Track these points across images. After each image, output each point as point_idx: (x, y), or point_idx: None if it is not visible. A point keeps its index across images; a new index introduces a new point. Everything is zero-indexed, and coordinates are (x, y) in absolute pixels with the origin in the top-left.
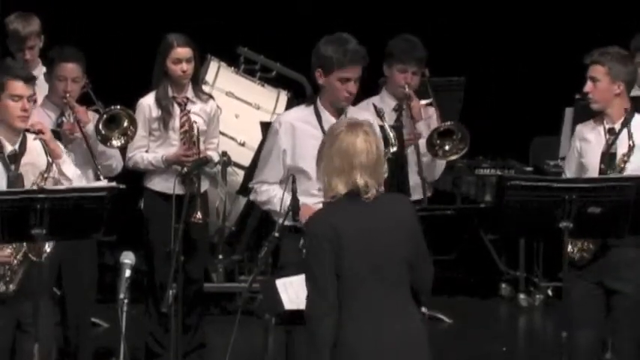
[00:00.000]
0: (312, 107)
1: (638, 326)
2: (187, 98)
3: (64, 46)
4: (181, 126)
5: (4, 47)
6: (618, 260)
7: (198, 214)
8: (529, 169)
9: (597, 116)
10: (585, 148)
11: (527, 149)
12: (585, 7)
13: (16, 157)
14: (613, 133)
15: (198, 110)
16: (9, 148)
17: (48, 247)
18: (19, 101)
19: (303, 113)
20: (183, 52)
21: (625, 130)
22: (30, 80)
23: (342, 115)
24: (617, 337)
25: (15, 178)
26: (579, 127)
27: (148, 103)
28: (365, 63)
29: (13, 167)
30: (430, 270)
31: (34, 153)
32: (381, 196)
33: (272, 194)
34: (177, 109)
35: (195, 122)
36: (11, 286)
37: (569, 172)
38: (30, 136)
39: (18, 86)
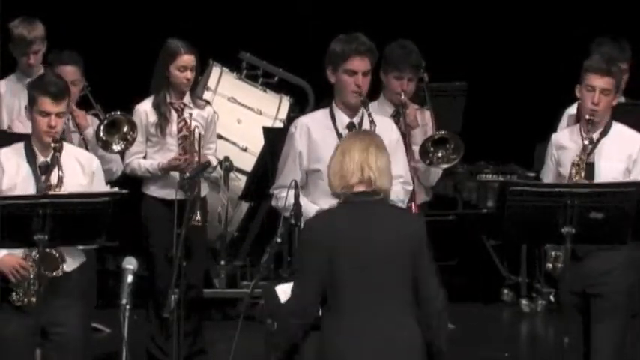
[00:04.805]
0: (328, 109)
1: (618, 330)
2: (184, 104)
3: (62, 49)
4: (179, 131)
5: (7, 51)
6: (599, 267)
7: (197, 217)
8: (531, 174)
9: (574, 124)
10: (563, 156)
11: (529, 154)
12: (589, 12)
13: (47, 169)
14: (592, 143)
15: (195, 116)
16: (41, 159)
17: (66, 266)
18: (47, 117)
19: (319, 115)
20: (189, 59)
21: (604, 140)
22: (59, 97)
23: (360, 112)
24: (596, 341)
25: (44, 189)
26: (555, 136)
27: (144, 108)
28: (372, 57)
29: (43, 178)
30: (437, 306)
31: (68, 168)
32: (392, 207)
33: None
34: (174, 115)
35: (197, 127)
36: (33, 299)
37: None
38: (64, 151)
39: (46, 103)
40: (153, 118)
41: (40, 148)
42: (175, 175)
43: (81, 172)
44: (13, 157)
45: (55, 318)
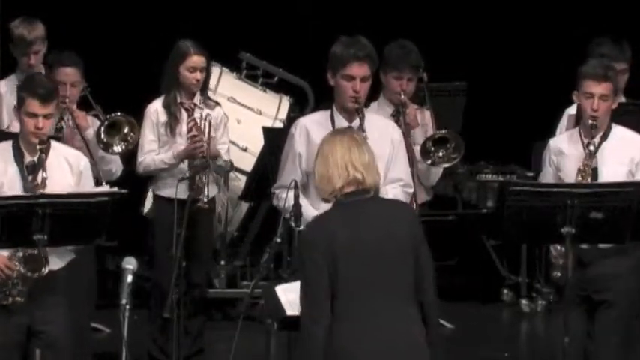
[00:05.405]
0: (328, 111)
1: (620, 331)
2: (195, 104)
3: (62, 50)
4: (189, 131)
5: (7, 52)
6: (604, 272)
7: (205, 199)
8: (531, 174)
9: (574, 125)
10: (562, 161)
11: (529, 154)
12: (589, 12)
13: (34, 169)
14: (594, 148)
15: (204, 116)
16: (28, 158)
17: (52, 265)
18: (34, 119)
19: (319, 117)
20: (199, 60)
21: (605, 144)
22: (48, 99)
23: (357, 118)
24: (601, 345)
25: (31, 189)
26: (553, 141)
27: (155, 107)
28: (371, 63)
29: (30, 178)
30: (432, 298)
31: (55, 168)
32: (383, 202)
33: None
34: (184, 115)
35: (209, 114)
36: (18, 299)
37: None
38: (52, 149)
39: (34, 105)
40: (163, 117)
41: (27, 147)
42: (184, 169)
43: (69, 170)
44: (1, 156)
45: (43, 316)
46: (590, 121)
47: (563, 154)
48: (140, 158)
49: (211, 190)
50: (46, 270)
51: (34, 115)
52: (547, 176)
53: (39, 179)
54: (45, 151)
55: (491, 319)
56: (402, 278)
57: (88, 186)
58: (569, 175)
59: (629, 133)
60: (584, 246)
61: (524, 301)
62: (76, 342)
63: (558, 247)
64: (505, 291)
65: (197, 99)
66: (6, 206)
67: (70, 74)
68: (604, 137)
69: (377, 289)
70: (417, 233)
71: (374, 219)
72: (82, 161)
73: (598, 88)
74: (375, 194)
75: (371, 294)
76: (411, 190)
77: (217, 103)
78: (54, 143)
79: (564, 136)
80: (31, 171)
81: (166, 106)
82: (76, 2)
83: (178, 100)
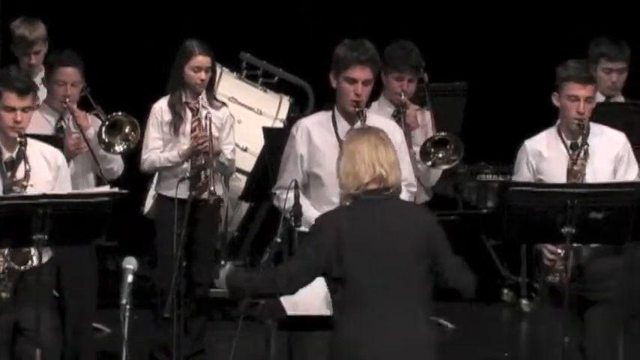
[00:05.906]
0: (330, 112)
1: (617, 334)
2: (200, 104)
3: (62, 50)
4: (192, 131)
5: (7, 51)
6: (599, 271)
7: (213, 191)
8: None
9: (550, 129)
10: (542, 164)
11: None
12: (589, 12)
13: (12, 164)
14: (575, 148)
15: (206, 115)
16: (6, 154)
17: (35, 258)
18: (12, 112)
19: (321, 118)
20: (203, 60)
21: (589, 144)
22: (25, 92)
23: (359, 121)
24: (596, 344)
25: (11, 185)
26: (530, 143)
27: (160, 106)
28: (374, 66)
29: (9, 174)
30: (467, 277)
31: (33, 164)
32: (402, 203)
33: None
34: (189, 114)
35: (210, 113)
36: (4, 295)
37: None
38: (29, 146)
39: (11, 98)
40: (168, 116)
41: (5, 143)
42: (186, 168)
43: (47, 167)
44: None
45: (29, 314)
46: (576, 123)
47: (543, 156)
48: (145, 155)
49: (217, 189)
50: (31, 264)
51: (12, 109)
52: (523, 179)
53: (21, 172)
54: (24, 145)
55: (491, 319)
56: (413, 280)
57: (66, 181)
58: (552, 178)
59: (609, 130)
60: (579, 246)
61: (524, 301)
62: (71, 341)
63: (559, 251)
64: (505, 291)
65: (202, 99)
66: (6, 206)
67: (70, 74)
68: (586, 137)
69: (387, 291)
70: (435, 235)
71: (390, 217)
72: (59, 156)
73: (583, 91)
74: (394, 193)
75: (380, 297)
76: (415, 190)
77: (224, 104)
78: (30, 140)
79: (542, 138)
80: (9, 167)
81: (171, 105)
82: (76, 2)
83: (183, 100)
